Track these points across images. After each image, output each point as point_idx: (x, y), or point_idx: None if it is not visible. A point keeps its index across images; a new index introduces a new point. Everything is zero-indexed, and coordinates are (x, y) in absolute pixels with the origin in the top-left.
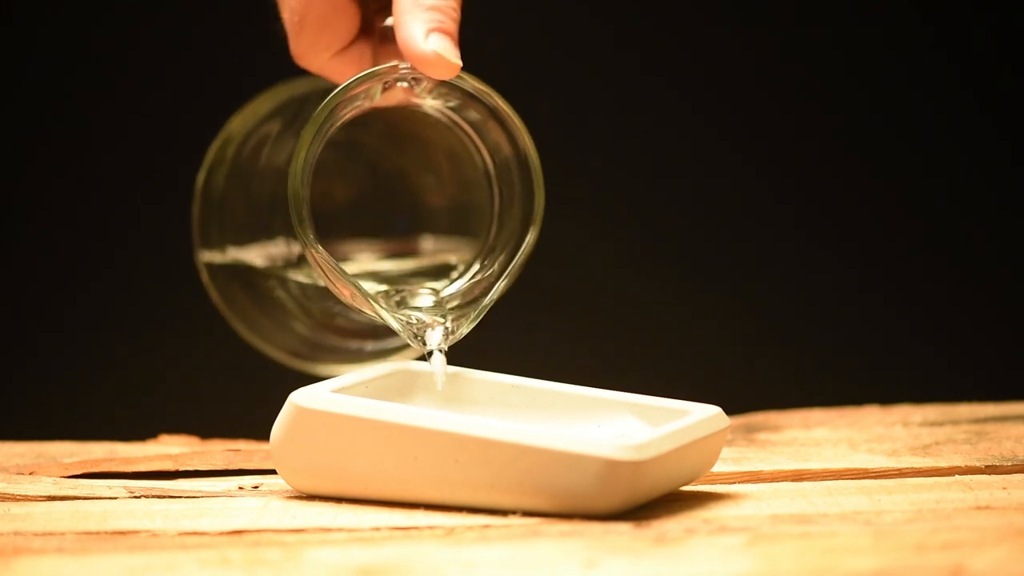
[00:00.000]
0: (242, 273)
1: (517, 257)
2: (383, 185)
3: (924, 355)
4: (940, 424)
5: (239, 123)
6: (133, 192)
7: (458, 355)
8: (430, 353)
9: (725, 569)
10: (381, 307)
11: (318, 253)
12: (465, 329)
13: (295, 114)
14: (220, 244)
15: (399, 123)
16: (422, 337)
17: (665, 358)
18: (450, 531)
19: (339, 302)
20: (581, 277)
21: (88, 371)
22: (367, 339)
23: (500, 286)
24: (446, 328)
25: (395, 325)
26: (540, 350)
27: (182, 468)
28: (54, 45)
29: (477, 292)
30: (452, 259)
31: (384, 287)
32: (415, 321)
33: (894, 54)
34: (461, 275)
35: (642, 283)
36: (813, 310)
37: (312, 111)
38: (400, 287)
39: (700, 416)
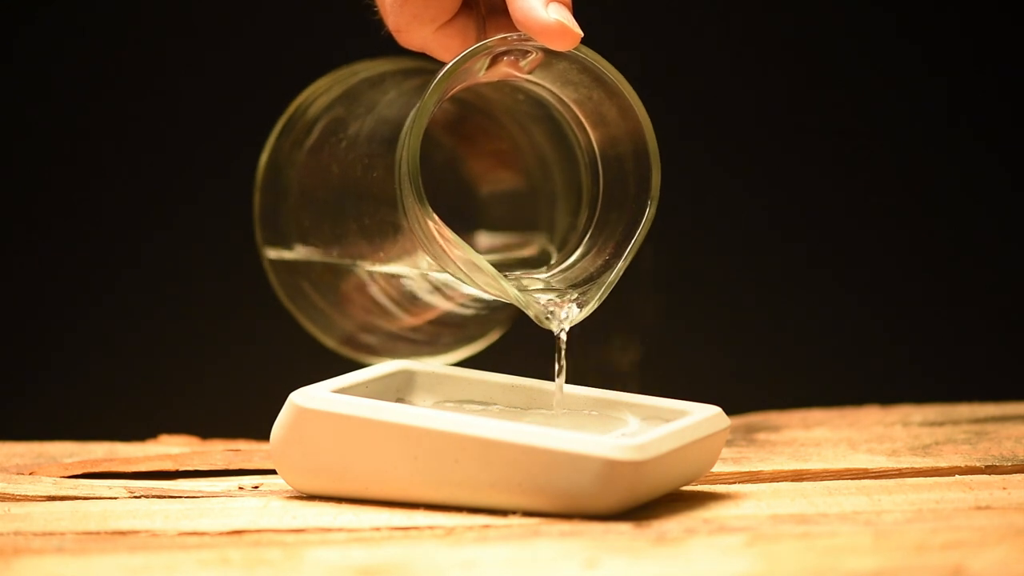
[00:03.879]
0: (312, 265)
1: (638, 233)
2: (451, 178)
3: (924, 355)
4: (940, 424)
5: (304, 107)
6: (132, 191)
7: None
8: (558, 334)
9: (725, 569)
10: (511, 286)
11: (444, 228)
12: (591, 308)
13: (375, 95)
14: (286, 232)
15: (467, 104)
16: (549, 316)
17: (665, 358)
18: (450, 531)
19: (430, 288)
20: None
21: (88, 371)
22: (444, 327)
23: (621, 264)
24: (573, 308)
25: (523, 302)
26: (540, 350)
27: (182, 468)
28: (99, 30)
29: (591, 271)
30: (536, 248)
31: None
32: (543, 301)
33: (882, 58)
34: (566, 256)
35: (642, 282)
36: (812, 310)
37: (391, 91)
38: (506, 272)
39: (700, 416)
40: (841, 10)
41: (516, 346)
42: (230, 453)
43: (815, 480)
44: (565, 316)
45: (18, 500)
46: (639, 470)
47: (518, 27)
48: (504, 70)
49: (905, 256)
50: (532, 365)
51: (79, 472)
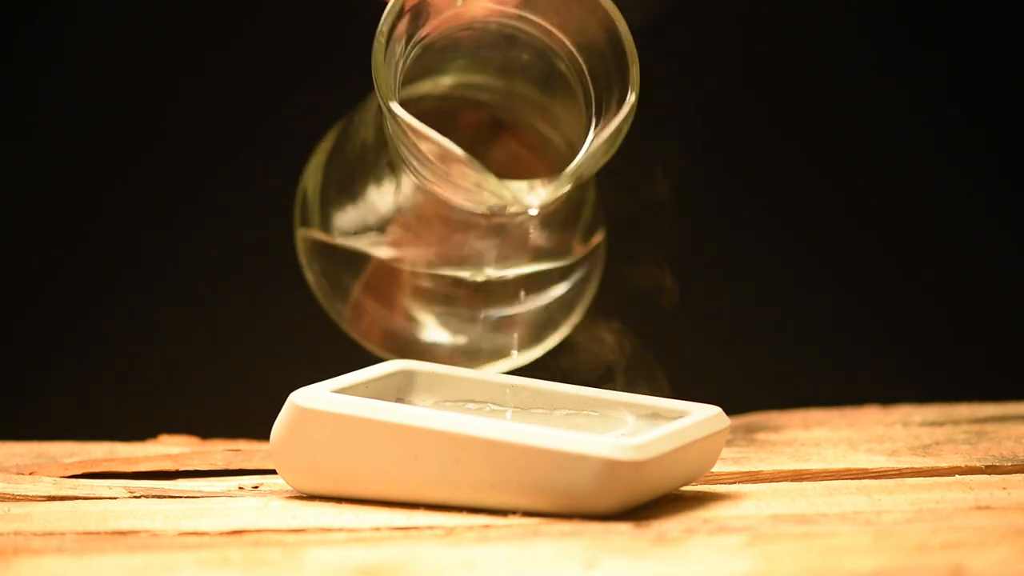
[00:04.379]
0: (349, 258)
1: (616, 119)
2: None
3: (924, 355)
4: (940, 424)
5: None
6: (132, 191)
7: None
8: (530, 211)
9: (725, 569)
10: (485, 171)
11: (412, 120)
12: (564, 183)
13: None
14: (326, 224)
15: (498, 121)
16: (522, 195)
17: (665, 358)
18: (450, 531)
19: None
20: None
21: (88, 371)
22: (487, 326)
23: (595, 144)
24: (540, 190)
25: (496, 184)
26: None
27: (182, 468)
28: (99, 30)
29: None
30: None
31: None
32: (508, 184)
33: (882, 57)
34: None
35: (642, 282)
36: (812, 310)
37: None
38: None
39: (700, 416)
40: (842, 9)
41: None
42: (230, 453)
43: (815, 480)
44: (539, 193)
45: (18, 500)
46: (639, 470)
47: None
48: (488, 5)
49: (905, 256)
50: (531, 365)
51: (79, 472)
